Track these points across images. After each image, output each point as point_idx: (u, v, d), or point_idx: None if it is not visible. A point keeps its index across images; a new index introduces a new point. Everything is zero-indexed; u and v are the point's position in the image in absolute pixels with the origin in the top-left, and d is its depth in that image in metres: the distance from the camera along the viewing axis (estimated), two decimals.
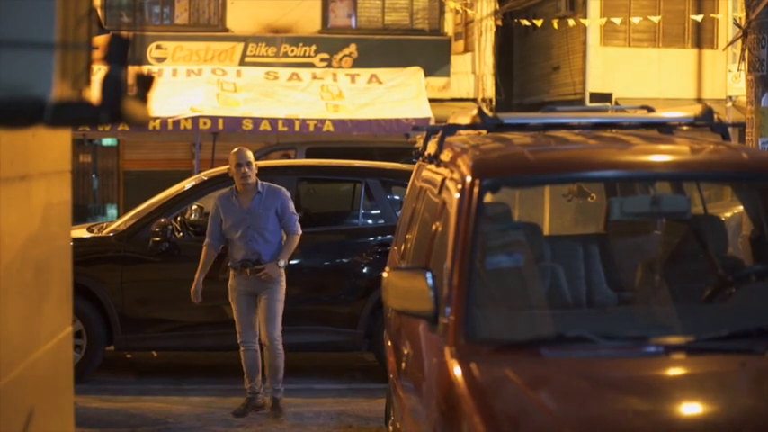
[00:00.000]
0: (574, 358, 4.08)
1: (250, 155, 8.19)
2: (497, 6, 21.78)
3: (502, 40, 22.95)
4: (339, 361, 10.52)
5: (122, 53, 3.05)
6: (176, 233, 9.57)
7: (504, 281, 4.74)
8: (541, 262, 5.10)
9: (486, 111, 5.42)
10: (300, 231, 8.20)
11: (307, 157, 17.00)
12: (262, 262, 8.07)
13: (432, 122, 16.69)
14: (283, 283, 8.17)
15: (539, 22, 21.17)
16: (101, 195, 21.12)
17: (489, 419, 3.67)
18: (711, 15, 20.47)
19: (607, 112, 6.89)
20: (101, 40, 3.19)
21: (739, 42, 8.42)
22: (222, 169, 10.29)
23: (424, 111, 18.01)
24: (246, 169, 8.09)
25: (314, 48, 20.66)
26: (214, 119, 17.13)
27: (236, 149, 8.24)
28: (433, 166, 5.60)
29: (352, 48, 20.64)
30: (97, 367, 9.51)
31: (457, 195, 4.65)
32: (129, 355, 10.45)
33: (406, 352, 5.10)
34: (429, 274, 4.22)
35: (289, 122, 17.22)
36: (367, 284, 9.44)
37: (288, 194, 8.24)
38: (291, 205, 8.21)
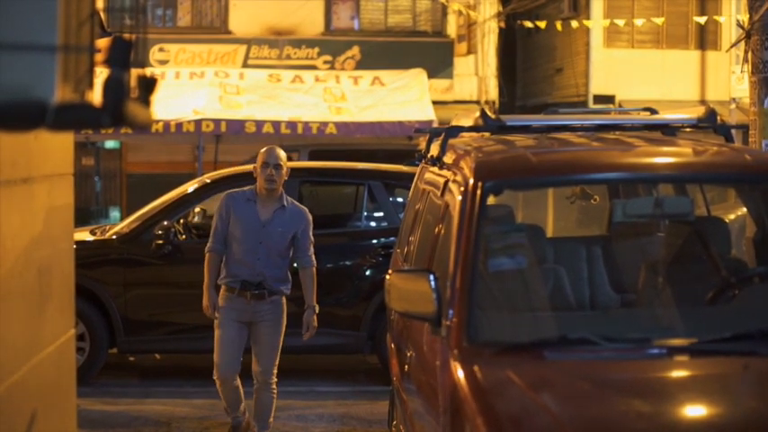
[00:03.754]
0: (577, 360, 4.07)
1: (282, 156, 7.02)
2: (500, 8, 21.77)
3: (505, 41, 22.94)
4: (342, 363, 10.51)
5: (125, 56, 3.05)
6: (179, 236, 9.57)
7: (507, 283, 4.74)
8: (544, 264, 5.09)
9: (489, 113, 5.42)
10: (315, 263, 7.17)
11: (309, 159, 17.00)
12: (265, 287, 6.97)
13: (434, 124, 16.69)
14: (285, 313, 7.16)
15: (542, 24, 21.15)
16: (103, 198, 21.12)
17: (492, 422, 3.66)
18: (714, 17, 20.45)
19: (610, 114, 6.89)
20: (103, 43, 3.19)
21: (742, 44, 8.41)
22: (224, 171, 10.30)
23: (427, 113, 18.03)
24: (273, 171, 6.93)
25: (317, 50, 20.66)
26: (217, 121, 17.15)
27: (266, 147, 7.12)
28: (435, 169, 5.60)
29: (355, 50, 20.63)
30: (100, 370, 9.51)
31: (460, 197, 4.65)
32: (131, 358, 10.45)
33: (408, 354, 5.09)
34: (432, 277, 4.22)
35: (291, 125, 17.25)
36: (370, 287, 9.45)
37: (310, 217, 7.14)
38: (311, 230, 7.12)
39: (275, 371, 7.11)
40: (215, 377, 7.08)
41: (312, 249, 7.11)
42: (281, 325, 7.08)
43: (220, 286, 7.09)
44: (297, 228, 7.01)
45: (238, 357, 7.07)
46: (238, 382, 7.11)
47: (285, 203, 7.03)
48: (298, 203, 7.24)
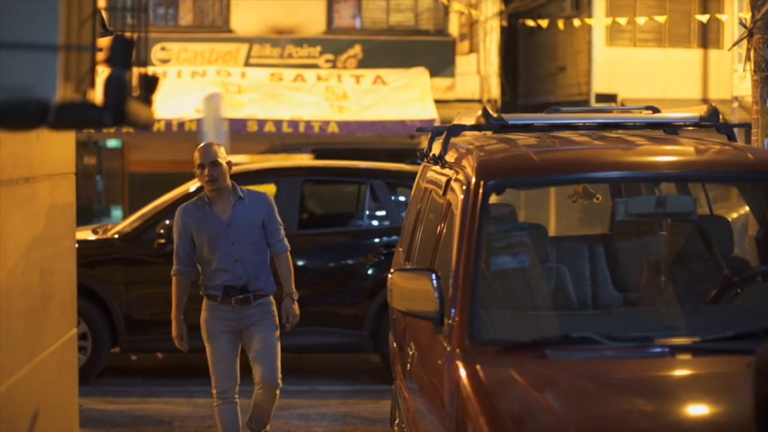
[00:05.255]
0: (579, 359, 4.07)
1: (218, 151, 6.42)
2: (502, 7, 21.76)
3: (507, 40, 22.93)
4: (344, 362, 10.52)
5: (126, 55, 3.05)
6: None
7: (509, 282, 4.73)
8: (546, 263, 5.09)
9: (491, 111, 5.41)
10: (289, 247, 6.71)
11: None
12: (250, 289, 6.47)
13: (436, 123, 16.69)
14: (276, 314, 6.63)
15: (544, 23, 21.12)
16: (105, 197, 21.12)
17: (494, 421, 3.66)
18: (717, 15, 20.42)
19: (612, 113, 6.87)
20: (105, 42, 3.18)
21: (745, 42, 8.39)
22: None
23: (429, 112, 18.03)
24: (211, 170, 6.38)
25: (318, 49, 20.65)
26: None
27: (200, 146, 6.55)
28: (437, 168, 5.59)
29: (357, 49, 20.63)
30: (102, 369, 9.52)
31: (462, 196, 4.64)
32: (133, 357, 10.45)
33: (411, 353, 5.09)
34: (434, 276, 4.22)
35: (293, 124, 17.26)
36: (372, 286, 9.45)
37: (272, 200, 6.70)
38: (277, 213, 6.65)
39: (280, 374, 6.58)
40: (213, 392, 6.59)
41: (283, 232, 6.64)
42: (273, 324, 6.58)
43: (192, 311, 6.67)
44: (262, 214, 6.53)
45: (235, 368, 6.57)
46: (237, 400, 6.60)
47: (241, 194, 6.51)
48: (255, 190, 6.77)
